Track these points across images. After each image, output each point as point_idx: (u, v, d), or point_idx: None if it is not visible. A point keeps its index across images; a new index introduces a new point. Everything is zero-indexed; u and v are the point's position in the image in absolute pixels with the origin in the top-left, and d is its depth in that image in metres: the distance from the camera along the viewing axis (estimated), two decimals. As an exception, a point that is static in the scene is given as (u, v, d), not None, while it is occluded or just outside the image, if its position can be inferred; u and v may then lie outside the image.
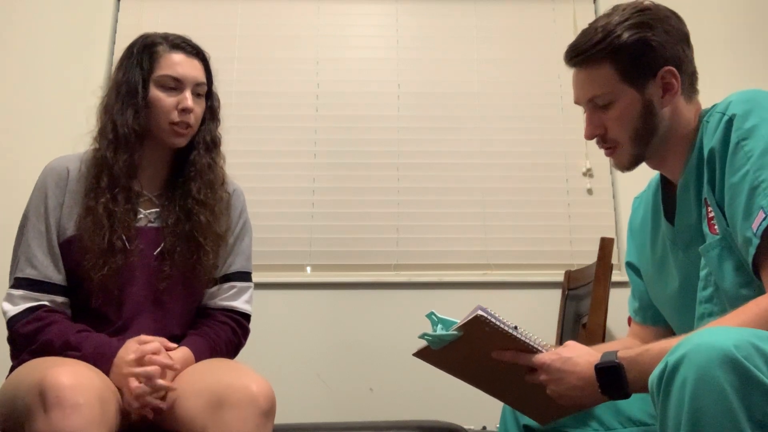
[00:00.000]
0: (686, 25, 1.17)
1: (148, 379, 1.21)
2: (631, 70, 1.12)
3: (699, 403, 0.79)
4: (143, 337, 1.27)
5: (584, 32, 1.17)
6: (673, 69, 1.12)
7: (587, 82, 1.17)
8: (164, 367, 1.24)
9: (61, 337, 1.27)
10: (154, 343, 1.26)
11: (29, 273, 1.33)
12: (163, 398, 1.24)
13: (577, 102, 1.22)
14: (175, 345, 1.30)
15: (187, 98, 1.38)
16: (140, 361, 1.23)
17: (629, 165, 1.19)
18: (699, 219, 1.12)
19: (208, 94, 1.46)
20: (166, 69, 1.38)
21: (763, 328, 0.87)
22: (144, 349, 1.24)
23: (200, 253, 1.40)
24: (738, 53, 2.57)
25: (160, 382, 1.22)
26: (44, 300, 1.32)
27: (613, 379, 1.01)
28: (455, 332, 1.10)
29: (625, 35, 1.12)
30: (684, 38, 1.15)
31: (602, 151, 1.22)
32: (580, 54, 1.16)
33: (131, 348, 1.25)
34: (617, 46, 1.12)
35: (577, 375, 1.05)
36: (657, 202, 1.26)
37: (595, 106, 1.17)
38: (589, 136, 1.20)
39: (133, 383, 1.21)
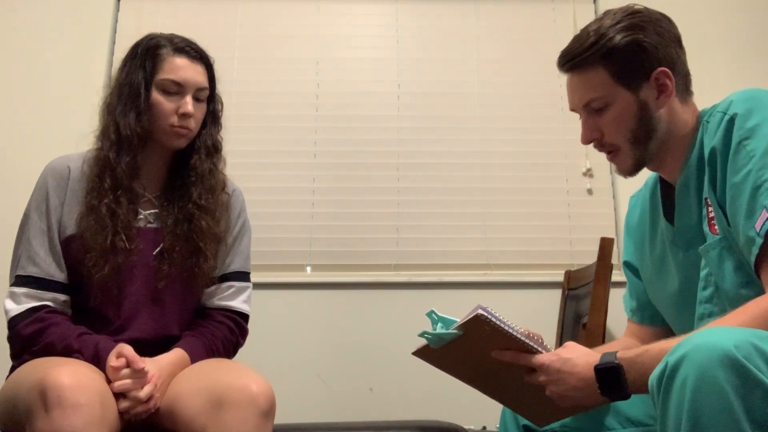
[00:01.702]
0: (677, 27, 1.17)
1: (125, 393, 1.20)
2: (625, 72, 1.13)
3: (699, 403, 0.79)
4: (119, 348, 1.25)
5: (576, 37, 1.18)
6: (667, 70, 1.12)
7: (581, 87, 1.17)
8: (130, 386, 1.20)
9: (63, 341, 1.27)
10: (119, 360, 1.22)
11: (32, 271, 1.33)
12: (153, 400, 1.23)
13: (572, 108, 1.22)
14: (142, 363, 1.23)
15: (188, 103, 1.37)
16: (115, 375, 1.21)
17: (632, 169, 1.18)
18: (699, 219, 1.12)
19: (210, 98, 1.46)
20: (168, 73, 1.37)
21: (763, 328, 0.87)
22: (109, 366, 1.21)
23: (199, 257, 1.40)
24: (736, 53, 2.57)
25: (135, 394, 1.20)
26: (47, 298, 1.33)
27: (612, 379, 1.00)
28: (455, 331, 1.10)
29: (618, 37, 1.12)
30: (676, 40, 1.15)
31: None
32: (574, 58, 1.16)
33: (110, 360, 1.23)
34: (610, 48, 1.12)
35: (577, 376, 1.05)
36: (655, 201, 1.26)
37: (591, 111, 1.17)
38: (585, 141, 1.20)
39: (120, 404, 1.19)
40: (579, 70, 1.16)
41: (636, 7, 1.16)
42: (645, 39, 1.12)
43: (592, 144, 1.21)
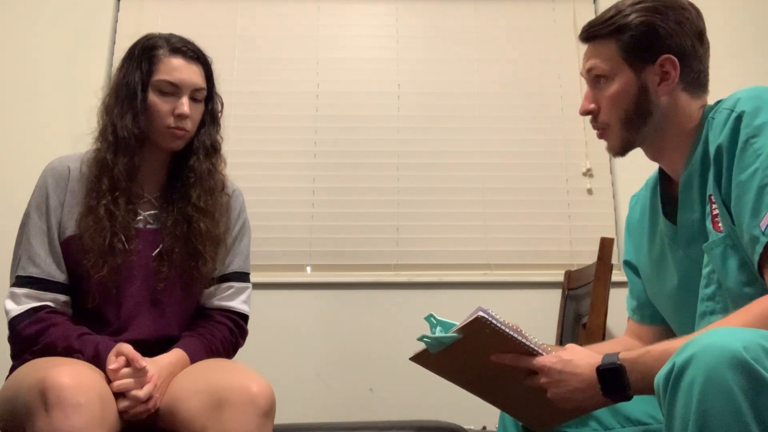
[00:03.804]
0: (704, 21, 1.17)
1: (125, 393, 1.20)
2: (632, 52, 1.14)
3: (707, 404, 0.79)
4: (118, 347, 1.25)
5: (602, 12, 1.21)
6: (674, 58, 1.13)
7: (591, 55, 1.19)
8: (129, 385, 1.20)
9: (64, 341, 1.27)
10: (119, 360, 1.22)
11: (32, 271, 1.32)
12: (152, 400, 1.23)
13: (581, 74, 1.24)
14: (143, 362, 1.23)
15: (184, 104, 1.37)
16: (114, 376, 1.21)
17: (619, 149, 1.20)
18: (702, 216, 1.12)
19: (208, 97, 1.45)
20: (164, 74, 1.37)
21: (766, 328, 0.86)
22: (109, 369, 1.21)
23: (198, 260, 1.39)
24: (744, 51, 2.56)
25: (135, 394, 1.20)
26: (47, 299, 1.32)
27: (614, 381, 1.00)
28: (454, 334, 1.08)
29: (632, 16, 1.14)
30: (697, 33, 1.15)
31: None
32: (590, 29, 1.19)
33: (110, 361, 1.23)
34: (622, 25, 1.14)
35: (578, 377, 1.04)
36: (655, 200, 1.26)
37: (594, 82, 1.19)
38: (582, 112, 1.21)
39: (119, 404, 1.19)
40: (593, 40, 1.19)
41: None
42: (660, 23, 1.13)
43: (590, 121, 1.22)
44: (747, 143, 1.01)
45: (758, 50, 2.58)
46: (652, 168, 1.27)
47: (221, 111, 1.50)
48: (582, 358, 1.06)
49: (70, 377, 1.10)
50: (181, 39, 1.42)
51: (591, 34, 1.19)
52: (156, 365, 1.26)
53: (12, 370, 1.32)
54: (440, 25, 2.67)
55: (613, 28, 1.15)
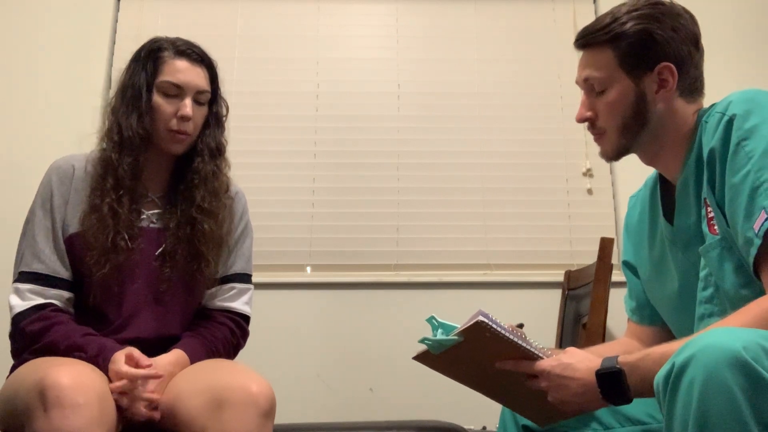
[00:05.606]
0: (699, 27, 1.17)
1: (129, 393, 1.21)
2: (630, 59, 1.13)
3: (707, 404, 0.79)
4: (127, 350, 1.26)
5: (596, 18, 1.20)
6: (672, 66, 1.12)
7: (587, 64, 1.19)
8: (134, 383, 1.21)
9: (66, 340, 1.27)
10: (124, 367, 1.23)
11: (37, 267, 1.33)
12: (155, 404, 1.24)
13: (577, 82, 1.23)
14: (149, 361, 1.26)
15: (187, 106, 1.37)
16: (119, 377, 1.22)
17: (613, 155, 1.20)
18: (698, 219, 1.12)
19: (213, 100, 1.46)
20: (168, 75, 1.38)
21: (765, 328, 0.86)
22: (116, 370, 1.22)
23: (201, 262, 1.40)
24: (740, 53, 2.57)
25: (144, 392, 1.21)
26: (51, 295, 1.33)
27: (614, 384, 1.00)
28: (455, 337, 1.09)
29: (629, 24, 1.13)
30: (693, 40, 1.15)
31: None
32: (586, 36, 1.18)
33: (117, 360, 1.24)
34: (619, 33, 1.13)
35: (578, 381, 1.04)
36: (655, 200, 1.26)
37: (590, 90, 1.18)
38: (579, 119, 1.21)
39: (121, 401, 1.20)
40: (589, 48, 1.18)
41: None
42: (657, 31, 1.12)
43: (586, 125, 1.22)
44: (738, 146, 1.01)
45: (753, 53, 2.58)
46: (651, 168, 1.27)
47: (226, 114, 1.51)
48: (581, 362, 1.06)
49: (69, 377, 1.10)
50: (187, 42, 1.44)
51: (587, 41, 1.18)
52: (155, 365, 1.26)
53: (12, 369, 1.32)
54: (440, 25, 2.67)
55: (610, 36, 1.14)
